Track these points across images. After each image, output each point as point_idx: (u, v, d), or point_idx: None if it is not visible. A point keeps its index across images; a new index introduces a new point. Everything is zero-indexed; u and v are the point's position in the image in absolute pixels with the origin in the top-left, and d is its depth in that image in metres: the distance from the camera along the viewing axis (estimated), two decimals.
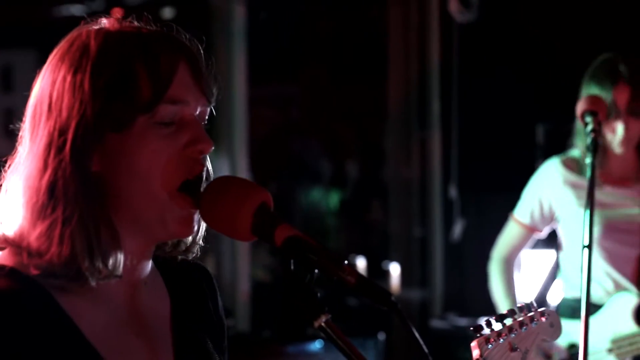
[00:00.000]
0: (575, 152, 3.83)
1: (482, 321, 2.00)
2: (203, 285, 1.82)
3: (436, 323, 6.56)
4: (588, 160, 3.14)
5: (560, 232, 3.93)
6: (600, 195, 3.74)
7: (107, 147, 1.58)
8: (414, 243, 7.09)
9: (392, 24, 7.15)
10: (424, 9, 6.97)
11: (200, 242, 1.74)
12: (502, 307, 4.03)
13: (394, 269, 6.55)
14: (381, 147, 7.64)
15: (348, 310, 6.24)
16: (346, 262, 1.48)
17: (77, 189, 1.55)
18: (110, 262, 1.57)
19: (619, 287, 3.74)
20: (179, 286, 1.77)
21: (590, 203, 3.06)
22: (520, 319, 2.03)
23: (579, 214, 3.78)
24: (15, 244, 1.58)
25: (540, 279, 5.25)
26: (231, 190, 1.58)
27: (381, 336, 5.54)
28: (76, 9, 7.10)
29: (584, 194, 3.77)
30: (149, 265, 1.69)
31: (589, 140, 3.18)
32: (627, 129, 3.67)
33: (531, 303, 2.07)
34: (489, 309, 4.17)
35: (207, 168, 1.64)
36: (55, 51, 1.64)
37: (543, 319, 2.07)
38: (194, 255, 1.76)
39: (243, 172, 6.34)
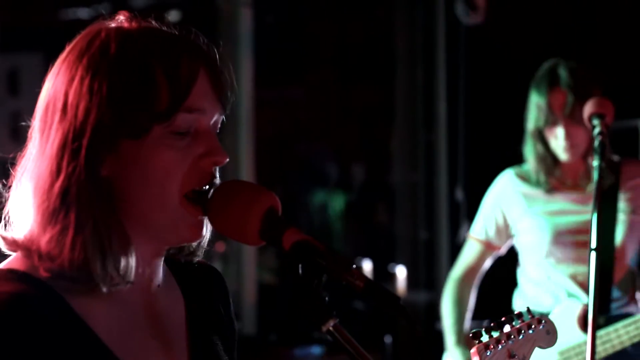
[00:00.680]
0: (526, 165, 3.82)
1: (482, 327, 2.02)
2: (215, 287, 1.82)
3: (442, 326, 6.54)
4: (595, 163, 3.11)
5: (516, 245, 3.90)
6: (552, 203, 3.72)
7: (120, 153, 1.56)
8: (420, 246, 7.09)
9: (399, 26, 7.15)
10: (431, 11, 6.97)
11: (205, 245, 1.73)
12: (446, 327, 3.99)
13: (400, 272, 6.53)
14: (387, 149, 7.64)
15: (354, 313, 6.24)
16: (354, 266, 1.48)
17: (90, 194, 1.53)
18: (122, 268, 1.55)
19: (569, 295, 3.70)
20: (192, 288, 1.76)
21: (598, 205, 3.04)
22: (518, 325, 2.05)
23: (531, 224, 3.77)
24: (25, 247, 1.57)
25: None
26: (239, 195, 1.57)
27: (388, 339, 5.54)
28: (82, 12, 7.10)
29: (535, 203, 3.76)
30: (161, 268, 1.69)
31: (596, 142, 3.16)
32: (568, 135, 3.64)
33: (528, 310, 2.09)
34: (494, 312, 4.16)
35: (216, 178, 1.62)
36: (70, 48, 1.60)
37: (540, 326, 2.08)
38: (198, 258, 1.75)
39: (249, 175, 6.34)
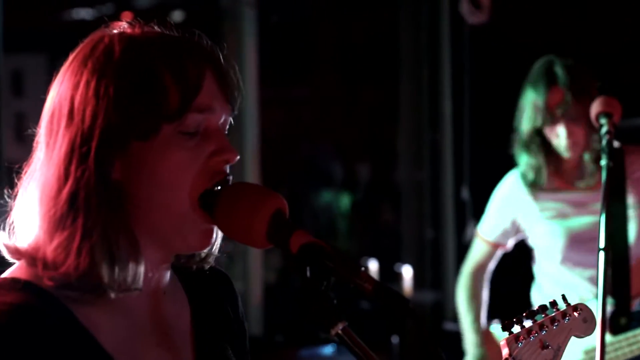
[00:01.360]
0: (522, 166, 3.81)
1: (513, 319, 1.94)
2: (222, 291, 1.80)
3: (449, 325, 6.53)
4: (603, 162, 3.09)
5: (531, 245, 3.90)
6: (559, 204, 3.71)
7: (129, 156, 1.54)
8: (426, 245, 7.08)
9: (403, 25, 7.14)
10: (435, 10, 6.96)
11: (216, 252, 1.71)
12: (465, 321, 4.01)
13: (406, 272, 6.51)
14: (393, 149, 7.63)
15: (361, 314, 6.22)
16: (363, 268, 1.46)
17: (99, 199, 1.52)
18: (131, 274, 1.54)
19: (593, 295, 3.69)
20: (199, 293, 1.74)
21: (606, 205, 3.02)
22: (552, 315, 1.96)
23: (544, 229, 3.75)
24: (29, 256, 1.55)
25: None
26: (245, 198, 1.56)
27: (395, 339, 5.52)
28: (86, 13, 7.09)
29: (547, 204, 3.75)
30: (168, 274, 1.67)
31: (604, 142, 3.13)
32: (569, 134, 3.63)
33: (563, 297, 2.01)
34: (501, 311, 4.15)
35: (229, 177, 1.61)
36: (74, 55, 1.59)
37: (575, 314, 2.00)
38: (209, 265, 1.73)
39: (255, 175, 6.33)
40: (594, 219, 3.62)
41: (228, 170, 1.61)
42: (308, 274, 1.47)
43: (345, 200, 8.37)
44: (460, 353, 5.75)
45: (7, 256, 1.59)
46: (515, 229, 3.88)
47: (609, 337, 3.54)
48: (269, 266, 7.20)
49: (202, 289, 1.75)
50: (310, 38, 8.27)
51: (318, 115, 8.55)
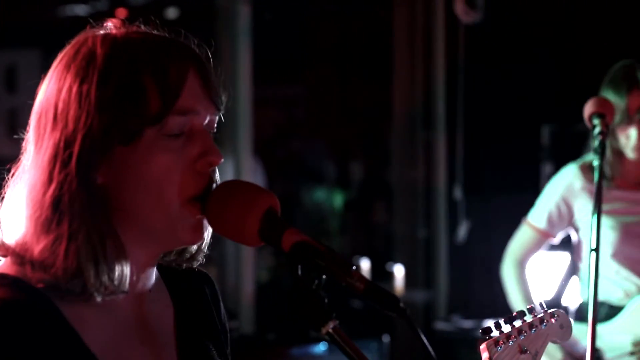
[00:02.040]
0: (591, 156, 3.84)
1: (491, 323, 1.98)
2: (206, 292, 1.80)
3: (440, 325, 6.54)
4: (595, 163, 3.14)
5: (576, 237, 3.93)
6: (617, 200, 3.75)
7: (113, 160, 1.54)
8: (418, 244, 7.08)
9: (398, 24, 7.14)
10: (430, 9, 6.97)
11: (205, 249, 1.71)
12: (518, 305, 4.03)
13: (398, 271, 6.53)
14: (386, 147, 7.63)
15: (352, 313, 6.22)
16: (354, 267, 1.46)
17: (83, 203, 1.51)
18: (117, 276, 1.53)
19: (638, 289, 3.76)
20: (182, 293, 1.74)
21: (598, 207, 3.06)
22: (530, 320, 2.01)
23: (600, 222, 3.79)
24: (17, 254, 1.55)
25: (554, 282, 5.24)
26: (238, 195, 1.55)
27: (385, 338, 5.53)
28: (80, 9, 7.09)
29: (604, 199, 3.79)
30: (154, 274, 1.67)
31: (596, 142, 3.19)
32: None
33: (540, 304, 2.05)
34: (494, 311, 4.16)
35: (215, 180, 1.60)
36: (60, 57, 1.59)
37: (552, 320, 2.05)
38: (199, 262, 1.73)
39: (248, 173, 6.33)
40: None
41: (215, 175, 1.60)
42: (299, 272, 1.47)
43: (337, 199, 8.37)
44: (451, 352, 5.76)
45: None
46: (567, 220, 3.91)
47: None
48: (261, 265, 7.20)
49: (186, 290, 1.75)
50: (304, 36, 8.27)
51: (311, 114, 8.55)
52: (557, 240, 4.02)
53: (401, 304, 1.45)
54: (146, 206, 1.55)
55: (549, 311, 2.05)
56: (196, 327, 1.73)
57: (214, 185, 1.60)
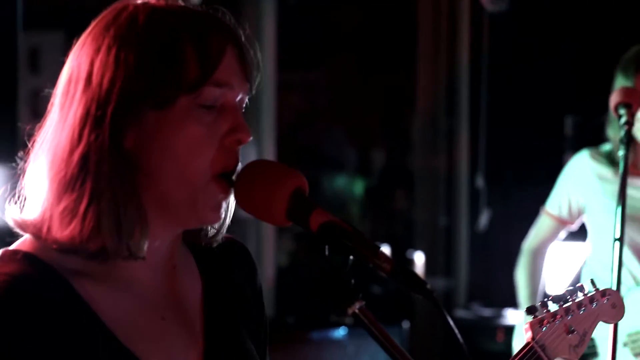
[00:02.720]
0: (607, 145, 3.81)
1: (538, 303, 1.91)
2: (238, 265, 1.79)
3: (460, 313, 6.54)
4: (621, 153, 3.10)
5: (587, 225, 3.92)
6: (630, 188, 3.72)
7: (144, 125, 1.53)
8: (439, 232, 7.08)
9: (422, 12, 7.12)
10: None
11: (224, 232, 1.70)
12: (522, 297, 4.04)
13: (419, 258, 6.53)
14: (408, 135, 7.62)
15: (372, 298, 6.23)
16: (381, 248, 1.47)
17: (110, 164, 1.51)
18: (135, 241, 1.52)
19: (638, 282, 3.73)
20: (212, 268, 1.73)
21: (623, 196, 3.03)
22: (579, 299, 1.94)
23: (605, 207, 3.77)
24: (35, 225, 1.54)
25: (572, 272, 5.24)
26: (267, 174, 1.55)
27: (405, 324, 5.53)
28: None
29: (610, 186, 3.76)
30: (178, 248, 1.66)
31: (622, 132, 3.14)
32: None
33: (592, 282, 1.98)
34: (514, 299, 4.16)
35: (239, 163, 1.59)
36: (97, 20, 1.58)
37: (604, 300, 1.97)
38: (217, 243, 1.71)
39: (270, 158, 6.33)
40: None
41: (239, 156, 1.60)
42: (327, 252, 1.47)
43: (358, 186, 8.37)
44: (470, 340, 5.76)
45: (16, 229, 1.57)
46: (579, 207, 3.91)
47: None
48: (281, 249, 7.21)
49: (215, 264, 1.74)
50: (328, 22, 8.25)
51: (333, 100, 8.53)
52: (575, 227, 4.01)
53: (428, 286, 1.45)
54: (170, 175, 1.54)
55: (600, 290, 1.98)
56: (225, 303, 1.72)
57: (239, 165, 1.59)
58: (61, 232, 1.50)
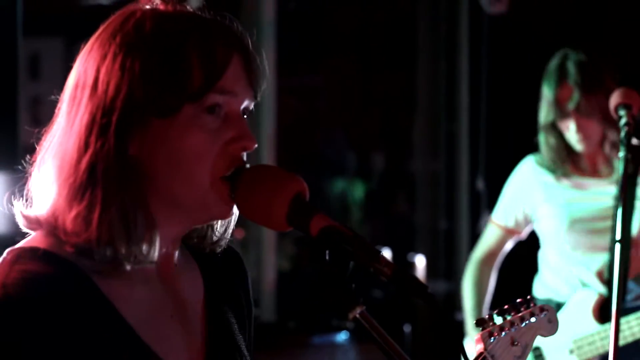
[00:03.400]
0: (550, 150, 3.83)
1: (485, 315, 2.03)
2: (234, 269, 1.81)
3: (461, 316, 6.53)
4: (621, 154, 3.09)
5: (536, 231, 3.92)
6: (570, 190, 3.73)
7: (149, 132, 1.55)
8: (440, 235, 7.08)
9: (421, 14, 7.12)
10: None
11: (228, 236, 1.72)
12: (467, 308, 4.03)
13: (420, 261, 6.52)
14: (408, 138, 7.62)
15: (373, 302, 6.23)
16: (381, 253, 1.47)
17: (118, 172, 1.53)
18: (146, 247, 1.55)
19: (584, 285, 3.70)
20: (211, 269, 1.75)
21: (624, 197, 3.02)
22: (521, 313, 2.04)
23: (548, 213, 3.78)
24: (48, 224, 1.55)
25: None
26: (267, 179, 1.57)
27: (407, 328, 5.53)
28: None
29: (553, 191, 3.78)
30: (179, 249, 1.68)
31: (622, 133, 3.14)
32: (579, 128, 3.67)
33: (531, 298, 2.08)
34: (515, 297, 4.16)
35: (245, 164, 1.61)
36: (105, 26, 1.60)
37: (541, 315, 2.08)
38: (221, 248, 1.74)
39: (270, 162, 6.33)
40: (600, 206, 3.70)
41: (245, 158, 1.62)
42: (327, 257, 1.48)
43: (359, 189, 8.36)
44: None
45: (25, 226, 1.59)
46: (526, 215, 3.90)
47: (598, 326, 3.57)
48: (282, 253, 7.21)
49: (214, 266, 1.76)
50: (327, 26, 8.26)
51: (333, 104, 8.54)
52: (523, 236, 4.00)
53: (429, 290, 1.45)
54: (176, 182, 1.56)
55: (538, 305, 2.09)
56: (223, 303, 1.74)
57: (243, 170, 1.60)
58: (76, 237, 1.52)
